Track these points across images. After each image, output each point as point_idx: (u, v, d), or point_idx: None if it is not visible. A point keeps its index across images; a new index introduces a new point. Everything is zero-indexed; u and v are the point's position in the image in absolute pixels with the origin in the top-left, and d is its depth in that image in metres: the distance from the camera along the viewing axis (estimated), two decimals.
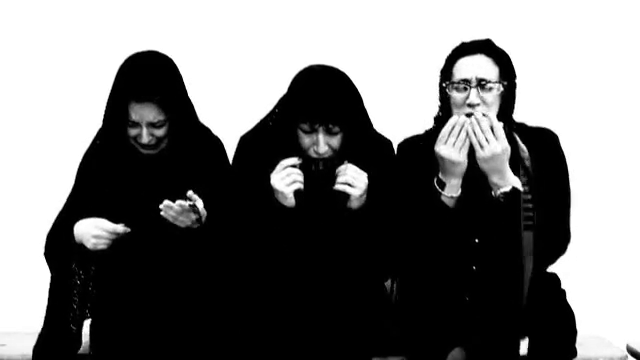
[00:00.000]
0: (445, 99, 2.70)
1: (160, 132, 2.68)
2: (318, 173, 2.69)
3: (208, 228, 2.68)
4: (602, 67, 3.72)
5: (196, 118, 2.81)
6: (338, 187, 2.62)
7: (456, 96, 2.66)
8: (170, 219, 2.62)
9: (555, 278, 2.80)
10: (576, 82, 3.71)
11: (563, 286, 2.79)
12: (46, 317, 2.73)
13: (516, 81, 2.72)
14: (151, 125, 2.66)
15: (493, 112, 2.64)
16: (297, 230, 2.65)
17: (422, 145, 2.76)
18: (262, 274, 2.69)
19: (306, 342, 2.63)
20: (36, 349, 2.71)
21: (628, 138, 3.75)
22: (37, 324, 3.26)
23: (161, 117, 2.66)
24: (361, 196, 2.63)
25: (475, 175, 2.63)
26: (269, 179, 2.65)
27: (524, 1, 3.71)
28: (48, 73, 3.66)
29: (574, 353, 2.67)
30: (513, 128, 2.72)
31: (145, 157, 2.73)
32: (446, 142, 2.57)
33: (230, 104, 3.56)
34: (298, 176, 2.62)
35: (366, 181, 2.62)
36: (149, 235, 2.70)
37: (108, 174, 2.75)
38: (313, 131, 2.62)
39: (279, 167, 2.61)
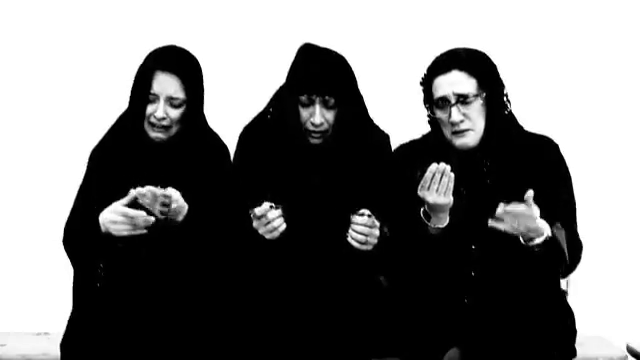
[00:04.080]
0: (433, 120, 2.71)
1: (175, 113, 2.72)
2: (313, 147, 2.72)
3: (196, 225, 2.68)
4: (601, 73, 3.72)
5: (206, 121, 2.85)
6: (350, 242, 2.61)
7: (440, 115, 2.66)
8: (148, 206, 2.61)
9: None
10: (575, 88, 3.72)
11: (563, 286, 2.79)
12: (73, 312, 2.71)
13: (501, 87, 2.68)
14: (169, 101, 2.70)
15: (479, 125, 2.63)
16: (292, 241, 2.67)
17: (420, 151, 2.76)
18: (260, 274, 2.69)
19: (305, 342, 2.63)
20: (64, 342, 2.69)
21: (623, 140, 3.75)
22: (37, 324, 3.26)
23: (181, 95, 2.71)
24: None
25: (465, 203, 2.62)
26: (271, 169, 2.72)
27: (523, 5, 3.72)
28: (51, 73, 3.66)
29: (574, 353, 2.67)
30: (508, 135, 2.71)
31: (152, 144, 2.74)
32: (429, 189, 2.54)
33: (229, 108, 3.57)
34: (276, 222, 2.60)
35: (378, 234, 2.61)
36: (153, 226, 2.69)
37: (116, 164, 2.76)
38: (311, 103, 2.68)
39: (254, 217, 2.60)
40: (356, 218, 2.60)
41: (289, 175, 2.74)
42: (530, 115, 2.87)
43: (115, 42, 3.64)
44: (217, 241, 2.72)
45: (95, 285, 2.68)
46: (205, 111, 2.85)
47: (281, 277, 2.69)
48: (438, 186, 2.52)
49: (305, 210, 2.70)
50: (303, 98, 2.69)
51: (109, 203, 2.67)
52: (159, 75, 2.70)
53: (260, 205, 2.60)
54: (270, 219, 2.60)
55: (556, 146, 2.74)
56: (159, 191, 2.60)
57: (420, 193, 2.55)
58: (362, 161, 2.77)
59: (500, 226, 2.48)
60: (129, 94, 2.77)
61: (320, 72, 2.68)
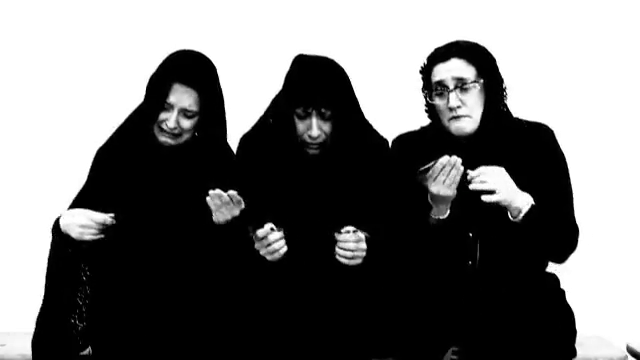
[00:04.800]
0: (431, 108, 2.72)
1: (187, 123, 2.73)
2: (311, 158, 2.74)
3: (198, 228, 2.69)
4: (598, 64, 3.72)
5: (225, 134, 2.85)
6: (339, 259, 2.63)
7: (439, 103, 2.68)
8: (213, 208, 2.62)
9: (555, 278, 2.80)
10: (574, 79, 3.72)
11: (563, 286, 2.79)
12: (43, 314, 2.70)
13: (499, 77, 2.71)
14: (183, 112, 2.70)
15: (477, 113, 2.66)
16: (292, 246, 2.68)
17: (417, 142, 2.77)
18: (262, 276, 2.69)
19: (306, 343, 2.63)
20: (35, 347, 2.69)
21: (628, 136, 3.75)
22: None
23: (195, 108, 2.72)
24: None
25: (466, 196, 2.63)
26: (270, 178, 2.72)
27: (519, 4, 3.72)
28: (55, 74, 3.67)
29: (574, 353, 2.68)
30: (504, 125, 2.72)
31: (160, 148, 2.74)
32: (436, 179, 2.56)
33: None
34: (277, 244, 2.61)
35: (365, 247, 2.63)
36: (152, 228, 2.69)
37: (121, 165, 2.77)
38: (307, 115, 2.68)
39: (255, 238, 2.61)
40: (341, 236, 2.61)
41: (288, 188, 2.74)
42: (527, 111, 2.88)
43: (117, 42, 3.64)
44: (217, 247, 2.72)
45: (81, 289, 2.69)
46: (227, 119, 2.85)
47: (281, 279, 2.70)
48: (446, 178, 2.53)
49: (304, 221, 2.70)
50: (299, 111, 2.69)
51: (109, 204, 2.68)
52: (177, 87, 2.70)
53: (262, 226, 2.59)
54: (271, 241, 2.60)
55: (552, 133, 2.76)
56: (235, 193, 2.59)
57: (427, 182, 2.56)
58: (361, 171, 2.77)
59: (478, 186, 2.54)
60: (143, 96, 2.77)
61: (315, 85, 2.68)
